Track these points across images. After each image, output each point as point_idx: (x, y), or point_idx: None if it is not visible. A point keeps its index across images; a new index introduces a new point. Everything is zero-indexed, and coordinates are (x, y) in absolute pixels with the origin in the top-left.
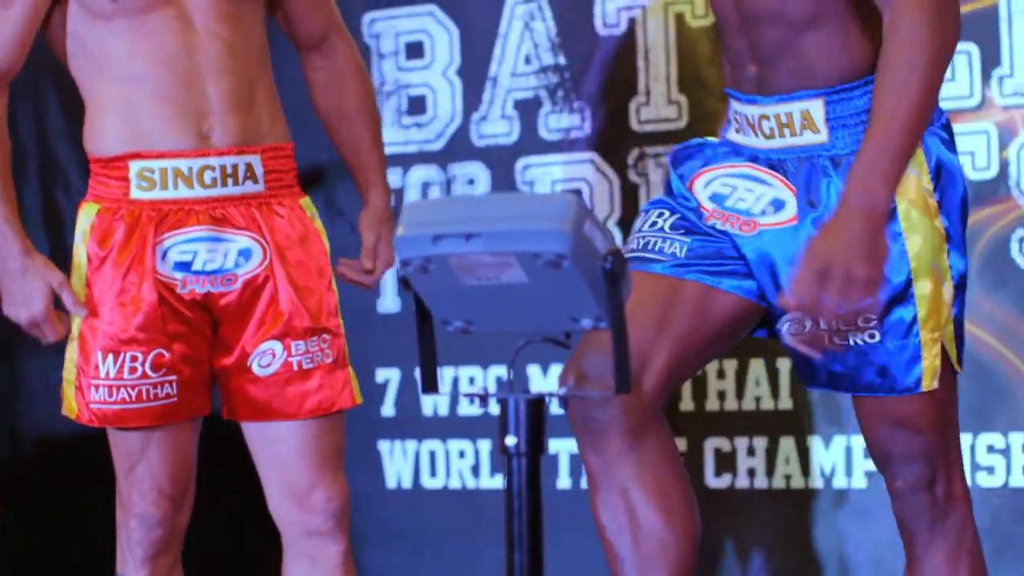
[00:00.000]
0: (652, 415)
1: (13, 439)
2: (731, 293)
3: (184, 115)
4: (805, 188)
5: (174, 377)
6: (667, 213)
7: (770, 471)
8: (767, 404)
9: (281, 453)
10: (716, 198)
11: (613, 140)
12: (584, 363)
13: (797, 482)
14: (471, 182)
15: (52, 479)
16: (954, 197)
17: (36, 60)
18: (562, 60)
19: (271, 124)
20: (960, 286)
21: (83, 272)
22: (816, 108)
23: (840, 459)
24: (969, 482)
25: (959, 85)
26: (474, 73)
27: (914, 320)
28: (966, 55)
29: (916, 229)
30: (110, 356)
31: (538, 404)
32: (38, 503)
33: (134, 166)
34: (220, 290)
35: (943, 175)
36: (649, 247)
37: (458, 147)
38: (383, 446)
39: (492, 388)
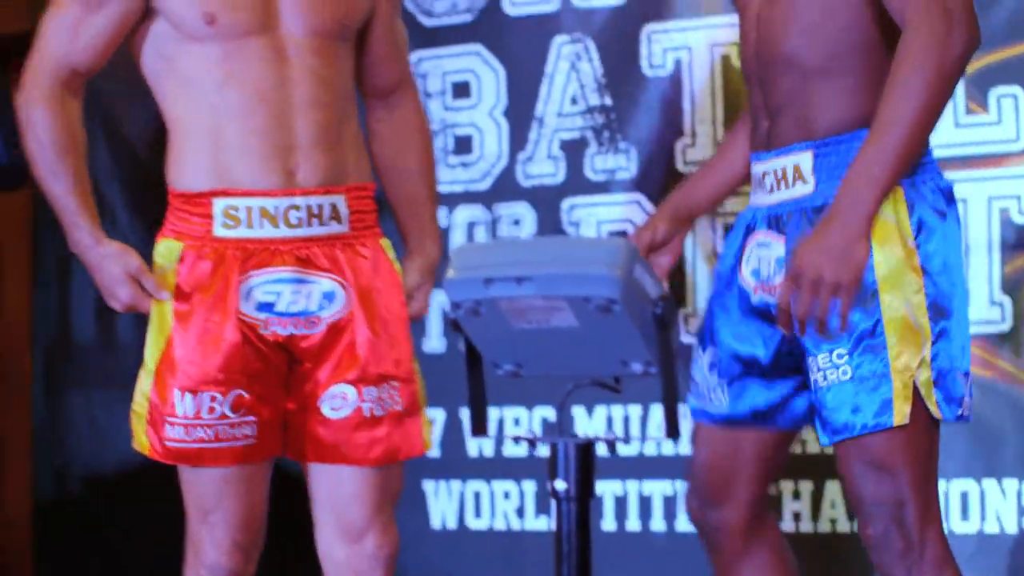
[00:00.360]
0: (759, 519)
1: (59, 478)
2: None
3: (272, 150)
4: (791, 240)
5: (253, 418)
6: (710, 351)
7: (815, 515)
8: (813, 447)
9: (340, 495)
10: (755, 273)
11: (659, 181)
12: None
13: (843, 526)
14: (517, 222)
15: (98, 518)
16: (941, 256)
17: (85, 100)
18: (608, 101)
19: (356, 163)
20: (946, 338)
21: (167, 307)
22: (806, 159)
23: None
24: None
25: (1005, 128)
26: (520, 113)
27: (885, 358)
28: (1012, 98)
29: (891, 285)
30: (188, 395)
31: (587, 449)
32: (84, 541)
33: (219, 204)
34: (303, 332)
35: (926, 232)
36: (704, 395)
37: (504, 187)
38: (428, 486)
39: (538, 429)
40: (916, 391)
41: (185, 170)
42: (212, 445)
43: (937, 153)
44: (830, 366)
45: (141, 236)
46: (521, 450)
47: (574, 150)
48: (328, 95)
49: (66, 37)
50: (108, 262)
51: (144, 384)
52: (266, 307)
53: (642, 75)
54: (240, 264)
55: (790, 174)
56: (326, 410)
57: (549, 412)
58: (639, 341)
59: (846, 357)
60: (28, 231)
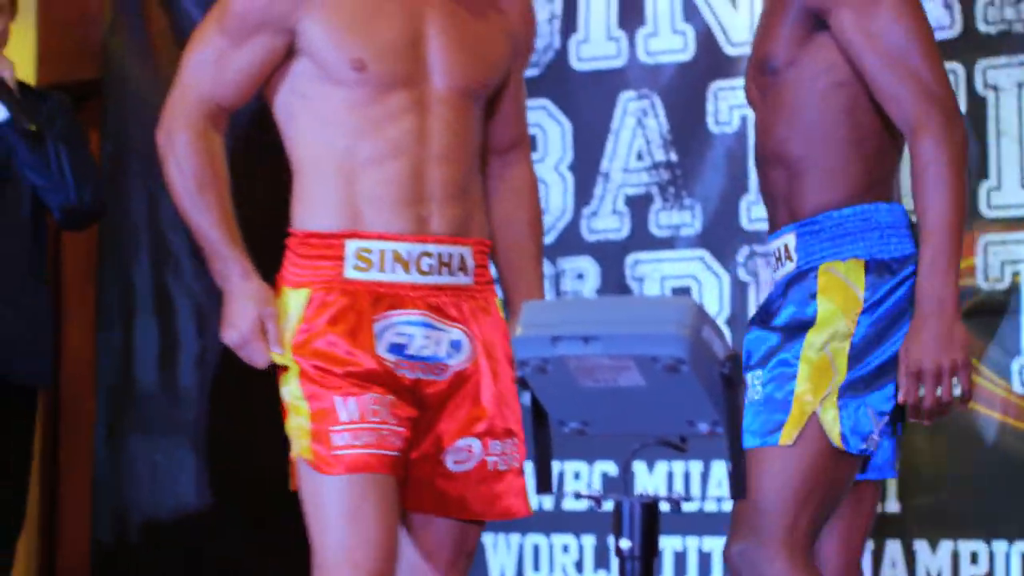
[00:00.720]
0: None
1: (118, 522)
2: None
3: (407, 198)
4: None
5: (403, 430)
6: None
7: (876, 575)
8: None
9: (431, 542)
10: None
11: (723, 238)
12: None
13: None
14: (580, 277)
15: (157, 564)
16: (883, 320)
17: (149, 147)
18: (674, 157)
19: (480, 218)
20: (864, 383)
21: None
22: (791, 240)
23: (947, 564)
24: None
25: None
26: (586, 168)
27: (792, 387)
28: None
29: (821, 327)
30: (351, 400)
31: (652, 508)
32: None
33: (351, 245)
34: (430, 378)
35: (876, 271)
36: None
37: (568, 241)
38: (487, 539)
39: (598, 483)
40: (816, 421)
41: (316, 211)
42: (378, 451)
43: (1004, 214)
44: (751, 387)
45: (204, 284)
46: (581, 504)
47: (639, 205)
48: (461, 150)
49: (211, 71)
50: (250, 303)
51: (299, 418)
52: (397, 349)
53: (708, 132)
54: (371, 305)
55: (783, 254)
56: (450, 462)
57: (610, 467)
58: (706, 401)
59: (762, 380)
60: (93, 274)
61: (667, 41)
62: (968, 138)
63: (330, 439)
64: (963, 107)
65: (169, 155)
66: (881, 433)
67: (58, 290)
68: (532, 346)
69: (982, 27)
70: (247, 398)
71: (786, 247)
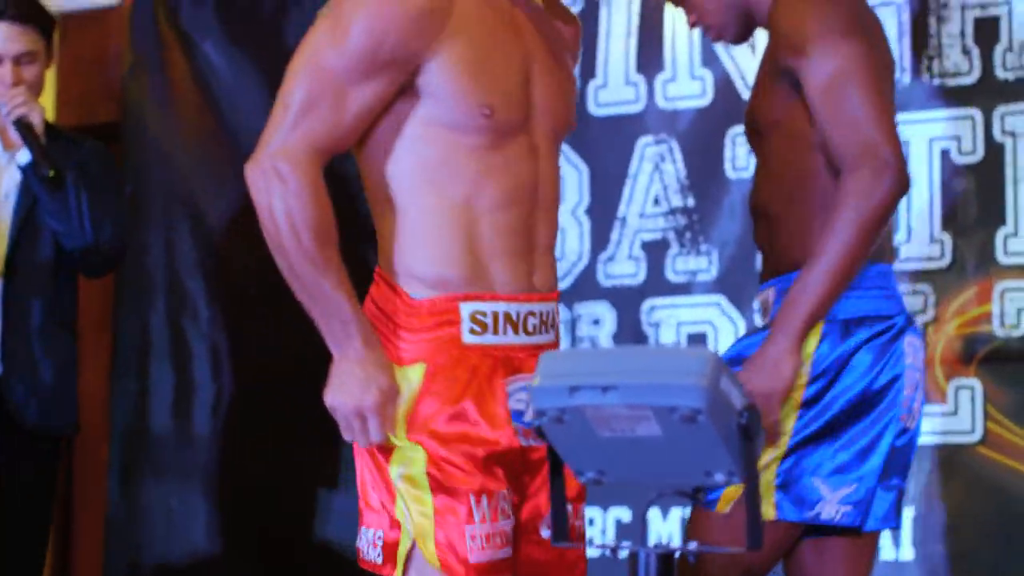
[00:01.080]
0: None
1: (131, 569)
2: None
3: (520, 250)
4: None
5: (514, 519)
6: None
7: None
8: (887, 554)
9: None
10: None
11: (740, 284)
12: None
13: None
14: (596, 322)
15: None
16: (837, 393)
17: (167, 190)
18: (691, 202)
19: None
20: (810, 447)
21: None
22: (771, 294)
23: None
24: None
25: None
26: (603, 213)
27: None
28: None
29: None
30: (483, 501)
31: (668, 558)
32: None
33: (466, 308)
34: (534, 444)
35: (833, 332)
36: None
37: (584, 286)
38: None
39: (611, 529)
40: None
41: (428, 268)
42: (506, 555)
43: (1021, 260)
44: None
45: (221, 329)
46: (592, 552)
47: (656, 251)
48: (557, 197)
49: (328, 113)
50: (376, 374)
51: (423, 502)
52: (517, 416)
53: (725, 177)
54: (493, 372)
55: (761, 308)
56: (543, 529)
57: (624, 513)
58: (723, 451)
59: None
60: (108, 319)
61: (686, 86)
62: (900, 190)
63: (463, 548)
64: (980, 153)
65: (276, 204)
66: (874, 487)
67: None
68: (550, 396)
69: (1000, 73)
70: (262, 444)
71: (766, 301)
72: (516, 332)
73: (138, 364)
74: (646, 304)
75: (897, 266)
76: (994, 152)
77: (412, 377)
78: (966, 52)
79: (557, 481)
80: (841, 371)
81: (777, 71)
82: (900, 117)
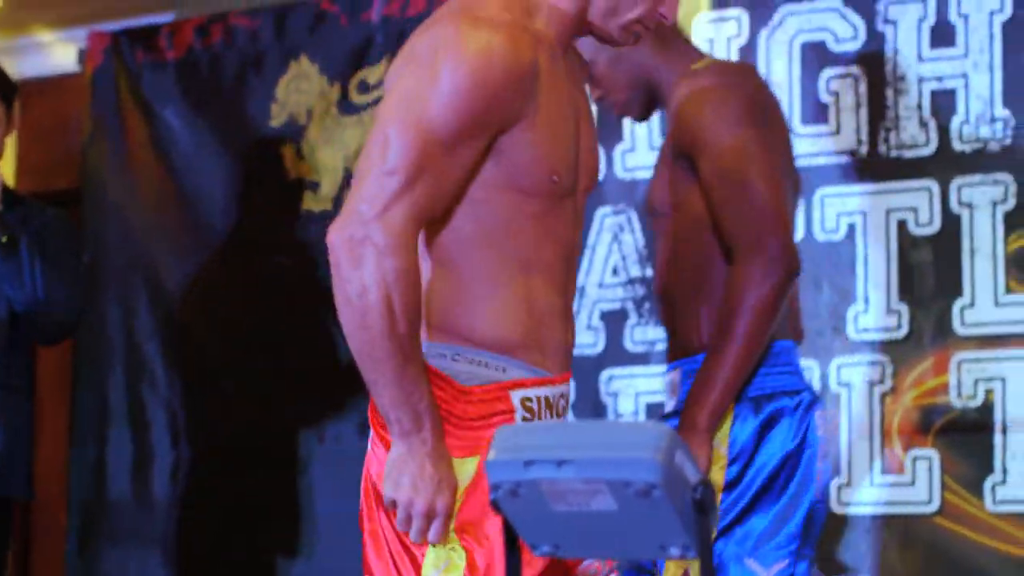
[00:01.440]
0: None
1: None
2: None
3: (564, 315)
4: None
5: None
6: None
7: None
8: None
9: None
10: None
11: None
12: None
13: None
14: None
15: None
16: (754, 468)
17: (127, 257)
18: (649, 272)
19: None
20: (732, 533)
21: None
22: (677, 376)
23: None
24: None
25: None
26: None
27: None
28: None
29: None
30: None
31: None
32: None
33: (516, 396)
34: None
35: (743, 413)
36: None
37: None
38: None
39: None
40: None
41: (487, 328)
42: None
43: (978, 331)
44: None
45: (179, 396)
46: None
47: (614, 321)
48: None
49: (429, 183)
50: (448, 474)
51: None
52: None
53: None
54: None
55: (669, 388)
56: None
57: None
58: (678, 525)
59: None
60: (67, 385)
61: (644, 157)
62: (789, 279)
63: None
64: (937, 225)
65: (369, 279)
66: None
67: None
68: (505, 470)
69: (957, 145)
70: (220, 511)
71: (673, 382)
72: (551, 415)
73: (97, 431)
74: (604, 374)
75: (855, 336)
76: (951, 223)
77: (465, 471)
78: (923, 124)
79: (512, 555)
80: (758, 448)
81: (676, 154)
82: (858, 188)
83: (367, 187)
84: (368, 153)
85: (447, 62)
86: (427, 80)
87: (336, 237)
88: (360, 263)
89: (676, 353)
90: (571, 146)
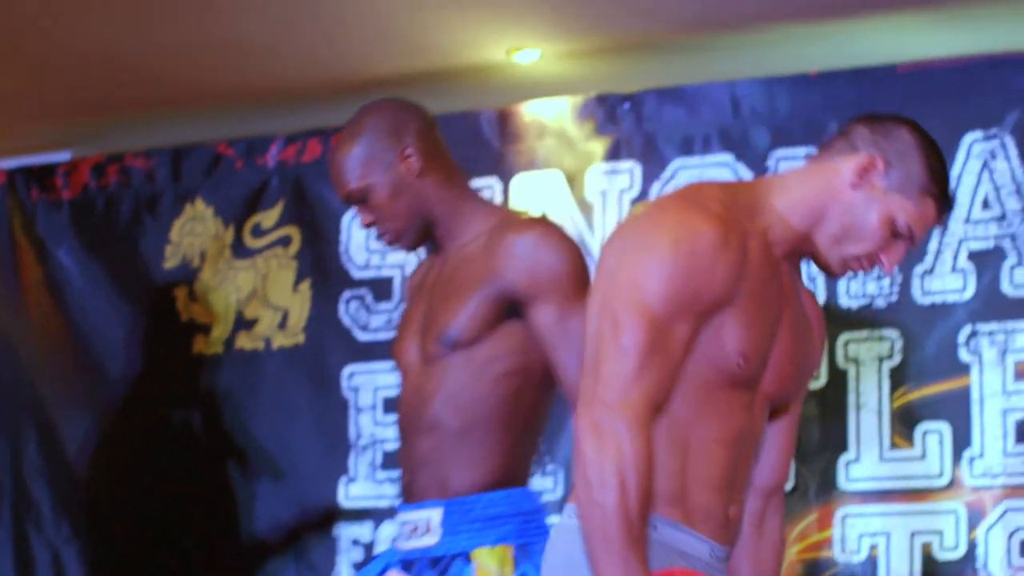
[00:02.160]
0: None
1: None
2: None
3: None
4: None
5: None
6: None
7: None
8: None
9: None
10: None
11: None
12: None
13: None
14: None
15: None
16: None
17: (16, 394)
18: None
19: None
20: None
21: None
22: (437, 515)
23: None
24: None
25: (929, 464)
26: None
27: None
28: (937, 434)
29: None
30: None
31: None
32: None
33: None
34: None
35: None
36: None
37: None
38: None
39: None
40: None
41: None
42: None
43: (861, 486)
44: None
45: (65, 537)
46: None
47: None
48: (754, 460)
49: (662, 357)
50: None
51: None
52: None
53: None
54: None
55: (422, 527)
56: None
57: None
58: None
59: None
60: None
61: None
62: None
63: None
64: (824, 379)
65: (608, 464)
66: None
67: None
68: None
69: (844, 302)
70: None
71: (428, 522)
72: None
73: None
74: None
75: None
76: (837, 378)
77: None
78: (811, 280)
79: None
80: None
81: (491, 291)
82: None
83: (606, 371)
84: (600, 335)
85: (665, 240)
86: (650, 260)
87: (580, 422)
88: (599, 447)
89: (433, 491)
90: (764, 334)
